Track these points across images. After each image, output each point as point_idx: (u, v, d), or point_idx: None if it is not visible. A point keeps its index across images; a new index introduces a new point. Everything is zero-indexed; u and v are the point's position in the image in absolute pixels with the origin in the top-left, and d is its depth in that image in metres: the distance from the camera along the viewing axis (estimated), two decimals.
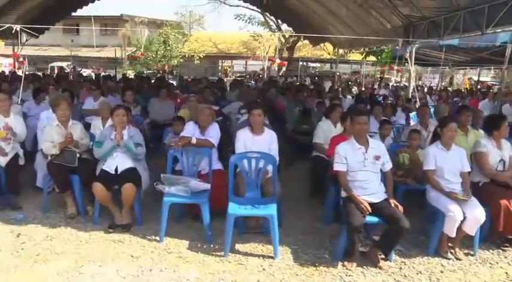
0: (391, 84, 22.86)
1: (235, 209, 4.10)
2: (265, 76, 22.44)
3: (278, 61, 19.64)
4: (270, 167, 4.58)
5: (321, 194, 5.47)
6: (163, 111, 7.78)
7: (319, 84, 16.95)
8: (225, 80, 17.58)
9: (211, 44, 28.01)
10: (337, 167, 4.20)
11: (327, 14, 15.08)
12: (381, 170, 4.27)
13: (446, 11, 9.84)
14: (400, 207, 4.02)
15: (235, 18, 23.89)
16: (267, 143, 4.84)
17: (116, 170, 4.59)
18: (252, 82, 18.84)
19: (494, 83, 27.71)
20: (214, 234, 4.35)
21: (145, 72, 25.31)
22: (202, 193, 4.41)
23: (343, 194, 4.23)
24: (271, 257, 4.08)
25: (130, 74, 22.99)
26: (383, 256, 4.10)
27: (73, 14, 17.84)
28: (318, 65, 33.26)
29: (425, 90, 18.29)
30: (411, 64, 13.22)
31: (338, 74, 20.19)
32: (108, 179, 4.49)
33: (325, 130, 5.90)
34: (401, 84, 24.84)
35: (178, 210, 4.77)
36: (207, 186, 4.45)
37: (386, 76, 30.21)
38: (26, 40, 17.48)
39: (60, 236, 4.34)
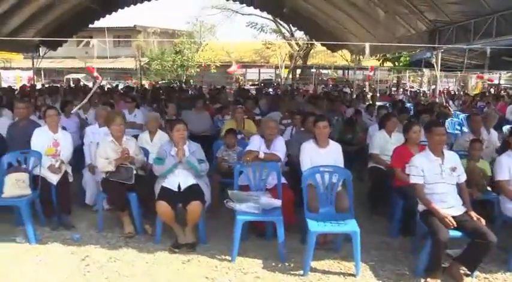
0: (408, 89, 22.66)
1: (315, 226, 3.88)
2: (282, 84, 22.34)
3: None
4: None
5: (382, 206, 5.30)
6: (200, 123, 7.56)
7: (339, 91, 16.73)
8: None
9: (223, 53, 27.96)
10: (414, 179, 4.00)
11: (347, 21, 14.96)
12: None
13: (475, 15, 9.69)
14: (482, 220, 3.83)
15: (247, 25, 23.88)
16: (333, 156, 4.65)
17: (179, 187, 4.39)
18: (270, 90, 18.71)
19: (509, 85, 27.44)
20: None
21: (159, 82, 25.24)
22: (274, 210, 4.20)
23: (421, 207, 4.04)
24: (352, 275, 3.87)
25: (145, 84, 22.93)
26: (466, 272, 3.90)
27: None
28: (328, 71, 33.10)
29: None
30: (437, 69, 13.07)
31: (356, 80, 20.03)
32: (171, 197, 4.27)
33: (381, 140, 5.72)
34: (417, 89, 24.66)
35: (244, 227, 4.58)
36: (278, 202, 4.25)
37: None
38: (45, 53, 17.53)
39: (124, 258, 4.13)
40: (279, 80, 30.43)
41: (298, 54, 23.56)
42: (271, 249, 4.27)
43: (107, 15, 17.43)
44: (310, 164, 4.53)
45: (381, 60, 20.29)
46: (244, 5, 17.82)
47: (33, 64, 17.54)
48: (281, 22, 24.38)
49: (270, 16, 24.43)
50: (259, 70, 31.81)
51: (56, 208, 4.92)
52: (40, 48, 17.48)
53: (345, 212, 4.25)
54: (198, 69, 27.02)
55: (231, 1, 20.27)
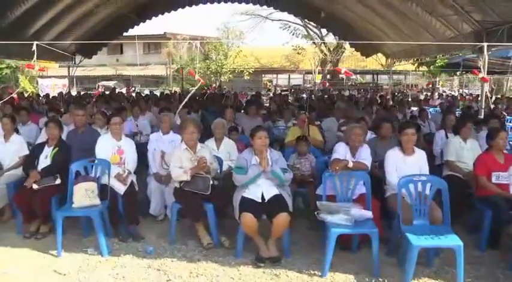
0: (443, 94, 22.11)
1: (416, 240, 3.60)
2: (316, 89, 22.04)
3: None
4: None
5: (462, 217, 4.98)
6: None
7: (381, 96, 16.29)
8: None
9: (253, 59, 27.83)
10: None
11: (384, 25, 14.63)
12: None
13: None
14: None
15: (281, 28, 23.76)
16: (419, 164, 4.40)
17: (262, 197, 4.16)
18: (304, 96, 18.44)
19: None
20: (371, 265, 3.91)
21: (189, 88, 25.22)
22: (366, 222, 3.94)
23: None
24: None
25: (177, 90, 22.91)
26: None
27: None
28: (356, 76, 32.68)
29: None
30: (484, 72, 12.60)
31: (386, 85, 19.64)
32: (255, 208, 4.02)
33: (456, 147, 5.43)
34: (449, 93, 24.07)
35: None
36: (370, 214, 4.00)
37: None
38: (80, 61, 17.69)
39: (206, 272, 3.89)
40: (308, 85, 30.21)
41: (332, 59, 23.27)
42: (359, 262, 4.03)
43: (141, 23, 17.49)
44: (396, 172, 4.29)
45: (416, 64, 19.82)
46: (278, 10, 17.65)
47: (69, 72, 17.71)
48: (311, 27, 24.18)
49: (300, 22, 24.31)
50: (289, 76, 31.69)
51: (123, 219, 4.76)
52: (76, 57, 17.63)
53: (439, 224, 3.97)
54: (231, 76, 26.99)
55: (263, 7, 20.14)
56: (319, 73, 24.31)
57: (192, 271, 3.93)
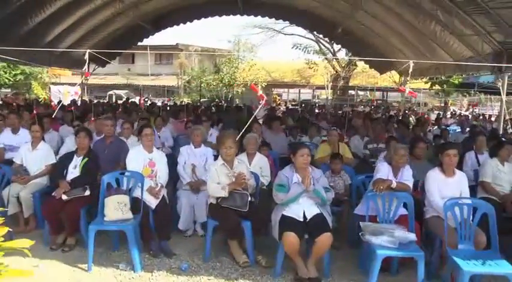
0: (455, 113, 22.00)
1: (466, 265, 3.48)
2: (329, 104, 22.06)
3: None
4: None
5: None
6: (278, 144, 7.26)
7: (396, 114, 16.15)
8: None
9: (264, 73, 27.85)
10: None
11: (401, 43, 14.61)
12: None
13: None
14: None
15: (293, 47, 23.78)
16: (460, 186, 4.30)
17: (304, 216, 4.04)
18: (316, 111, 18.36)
19: None
20: None
21: (201, 100, 25.26)
22: (411, 244, 3.82)
23: None
24: None
25: (186, 101, 22.92)
26: None
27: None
28: (365, 93, 32.63)
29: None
30: (503, 93, 12.52)
31: (396, 103, 19.52)
32: (297, 227, 3.91)
33: (493, 169, 5.31)
34: (460, 113, 23.95)
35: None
36: (413, 236, 3.87)
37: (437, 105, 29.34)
38: (94, 69, 17.70)
39: None
40: (317, 100, 30.18)
41: (345, 75, 23.25)
42: None
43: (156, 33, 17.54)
44: (438, 194, 4.19)
45: (429, 83, 19.77)
46: (293, 25, 17.68)
47: (82, 80, 17.69)
48: (324, 43, 24.21)
49: (312, 37, 24.35)
50: (299, 90, 31.70)
51: (154, 233, 4.63)
52: (90, 65, 17.64)
53: (483, 249, 3.85)
54: (243, 88, 27.01)
55: (278, 21, 20.21)
56: (331, 89, 24.29)
57: None
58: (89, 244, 4.17)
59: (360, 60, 16.72)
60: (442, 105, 26.87)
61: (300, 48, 23.68)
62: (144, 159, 4.90)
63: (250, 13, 15.74)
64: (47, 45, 12.28)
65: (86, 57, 4.95)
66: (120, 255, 4.51)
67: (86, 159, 4.94)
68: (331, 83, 24.37)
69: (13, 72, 22.32)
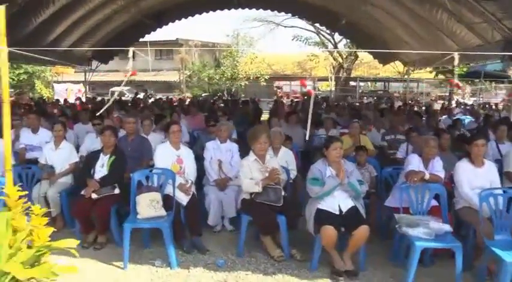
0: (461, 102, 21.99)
1: (508, 256, 3.48)
2: (333, 97, 22.03)
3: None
4: None
5: None
6: (296, 138, 7.22)
7: (406, 104, 16.11)
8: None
9: (265, 66, 27.76)
10: None
11: (406, 33, 14.56)
12: None
13: None
14: None
15: (293, 39, 23.68)
16: (490, 176, 4.31)
17: (339, 209, 4.05)
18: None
19: None
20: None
21: (202, 95, 25.21)
22: (447, 236, 3.84)
23: None
24: None
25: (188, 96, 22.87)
26: None
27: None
28: (367, 84, 32.55)
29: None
30: None
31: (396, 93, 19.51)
32: (333, 220, 3.92)
33: None
34: (464, 102, 23.94)
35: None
36: (449, 227, 3.89)
37: (440, 94, 29.34)
38: (97, 66, 17.63)
39: None
40: (319, 92, 30.09)
41: (348, 66, 23.20)
42: (438, 277, 3.95)
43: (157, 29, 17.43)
44: (468, 184, 4.21)
45: (433, 72, 19.79)
46: (296, 17, 17.58)
47: (85, 77, 17.65)
48: (324, 34, 24.13)
49: (313, 29, 24.26)
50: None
51: (185, 230, 4.63)
52: (92, 62, 17.58)
53: None
54: (247, 82, 26.94)
55: (280, 13, 20.12)
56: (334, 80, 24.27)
57: None
58: (124, 242, 4.16)
59: (365, 52, 16.66)
60: (445, 94, 26.90)
61: (300, 40, 23.61)
62: (172, 156, 4.91)
63: (246, 6, 15.66)
64: (50, 44, 12.21)
65: (130, 55, 4.85)
66: (152, 252, 4.51)
67: (113, 157, 4.92)
68: (333, 75, 24.30)
69: (16, 72, 22.22)
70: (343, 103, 16.95)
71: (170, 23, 17.21)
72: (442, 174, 4.43)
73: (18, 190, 3.27)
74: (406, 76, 19.01)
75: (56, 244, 3.18)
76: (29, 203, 3.28)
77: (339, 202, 4.06)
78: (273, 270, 4.11)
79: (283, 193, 4.37)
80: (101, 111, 5.50)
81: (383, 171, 5.13)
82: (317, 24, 19.86)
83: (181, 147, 5.03)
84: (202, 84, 27.74)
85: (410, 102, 20.67)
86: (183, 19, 17.16)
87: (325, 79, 27.66)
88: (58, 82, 23.18)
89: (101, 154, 5.01)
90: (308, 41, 23.68)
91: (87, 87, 19.93)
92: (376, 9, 13.82)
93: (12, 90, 24.09)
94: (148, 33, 17.64)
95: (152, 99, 19.13)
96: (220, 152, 5.29)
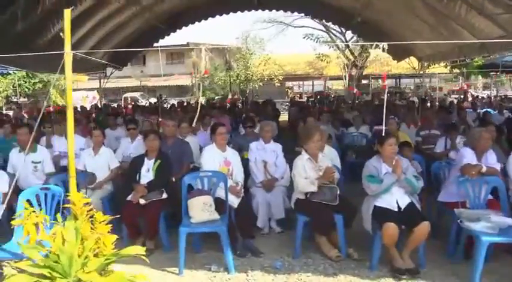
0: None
1: None
2: (346, 94, 21.89)
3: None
4: None
5: None
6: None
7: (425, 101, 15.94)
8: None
9: (277, 67, 27.72)
10: None
11: (421, 28, 14.43)
12: None
13: None
14: None
15: (304, 37, 23.56)
16: None
17: (398, 206, 3.99)
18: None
19: None
20: None
21: (215, 98, 25.19)
22: (510, 230, 3.74)
23: None
24: None
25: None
26: None
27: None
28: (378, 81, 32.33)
29: None
30: None
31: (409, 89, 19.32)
32: (393, 217, 3.86)
33: None
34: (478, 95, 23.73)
35: None
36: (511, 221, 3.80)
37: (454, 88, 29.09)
38: (111, 73, 17.63)
39: None
40: (329, 91, 30.02)
41: (362, 63, 23.04)
42: (500, 274, 3.85)
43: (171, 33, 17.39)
44: None
45: (448, 67, 19.58)
46: (309, 17, 17.48)
47: (100, 84, 17.65)
48: (335, 33, 24.00)
49: (322, 27, 24.12)
50: (313, 82, 31.65)
51: (237, 233, 4.55)
52: (106, 69, 17.58)
53: None
54: (261, 83, 26.89)
55: (293, 14, 20.05)
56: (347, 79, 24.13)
57: None
58: (180, 247, 4.08)
59: (378, 44, 16.46)
60: (457, 89, 26.67)
61: (311, 39, 23.47)
62: (219, 158, 4.85)
63: (266, 7, 15.56)
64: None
65: (203, 53, 4.74)
66: (204, 257, 4.45)
67: (159, 161, 4.86)
68: (348, 73, 24.16)
69: (32, 81, 22.33)
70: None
71: (184, 27, 17.15)
72: (497, 166, 4.36)
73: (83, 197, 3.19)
74: (421, 72, 18.83)
75: (125, 252, 3.10)
76: (93, 210, 3.20)
77: (396, 198, 4.00)
78: (333, 270, 4.04)
79: (338, 191, 4.27)
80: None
81: (434, 166, 5.06)
82: (330, 23, 19.68)
83: (227, 149, 4.96)
84: (214, 88, 27.74)
85: (424, 97, 20.49)
86: (196, 22, 17.07)
87: (337, 78, 27.53)
88: (73, 90, 23.15)
89: (145, 158, 4.94)
90: (319, 40, 23.54)
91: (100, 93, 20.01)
92: (392, 5, 13.70)
93: (25, 99, 24.27)
94: (162, 37, 17.54)
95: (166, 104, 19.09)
96: (265, 152, 5.23)
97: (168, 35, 17.43)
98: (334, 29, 23.56)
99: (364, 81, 28.23)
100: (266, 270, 4.09)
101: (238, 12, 16.22)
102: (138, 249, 3.16)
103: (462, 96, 20.51)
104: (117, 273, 3.00)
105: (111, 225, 3.02)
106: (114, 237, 3.22)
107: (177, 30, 17.49)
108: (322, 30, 24.38)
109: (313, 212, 4.20)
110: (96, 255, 3.13)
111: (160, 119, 7.32)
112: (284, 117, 15.85)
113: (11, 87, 22.32)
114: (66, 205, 4.16)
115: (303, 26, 25.47)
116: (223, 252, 4.38)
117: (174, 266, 4.17)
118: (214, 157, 4.82)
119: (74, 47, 11.14)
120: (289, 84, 32.88)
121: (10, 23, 8.03)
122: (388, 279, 3.84)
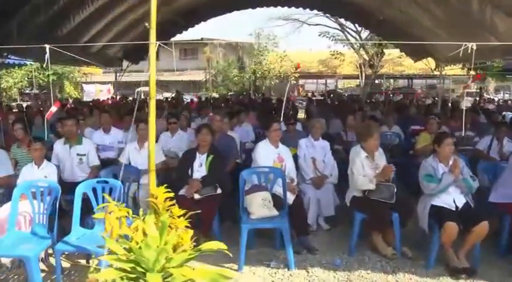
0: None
1: None
2: (363, 94, 21.85)
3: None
4: None
5: None
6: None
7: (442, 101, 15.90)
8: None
9: (293, 64, 27.68)
10: None
11: (439, 29, 14.38)
12: None
13: None
14: None
15: (319, 35, 23.55)
16: None
17: (455, 206, 4.05)
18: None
19: None
20: None
21: (229, 94, 25.16)
22: None
23: None
24: None
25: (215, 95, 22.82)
26: None
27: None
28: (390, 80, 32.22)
29: None
30: None
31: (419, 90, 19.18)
32: (452, 216, 3.92)
33: None
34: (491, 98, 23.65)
35: None
36: None
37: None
38: (127, 67, 17.64)
39: None
40: (342, 90, 29.98)
41: (379, 62, 23.00)
42: None
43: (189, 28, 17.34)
44: None
45: (465, 69, 19.50)
46: (327, 15, 17.42)
47: (115, 78, 17.67)
48: (350, 32, 23.96)
49: (337, 26, 24.08)
50: (326, 81, 31.62)
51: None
52: (123, 63, 17.60)
53: None
54: (277, 80, 26.87)
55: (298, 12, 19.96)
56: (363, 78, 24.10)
57: None
58: (241, 243, 4.09)
59: (396, 43, 16.36)
60: (468, 91, 26.49)
61: (327, 37, 23.48)
62: (272, 154, 4.87)
63: (291, 4, 15.50)
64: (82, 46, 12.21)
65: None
66: (260, 253, 4.46)
67: (212, 156, 4.86)
68: (364, 72, 24.12)
69: (46, 73, 22.30)
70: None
71: (202, 22, 17.09)
72: None
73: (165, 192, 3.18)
74: (438, 73, 18.76)
75: (206, 246, 3.10)
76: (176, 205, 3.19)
77: (453, 198, 4.06)
78: (391, 268, 4.11)
79: (395, 190, 4.27)
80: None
81: (478, 167, 5.07)
82: (348, 22, 19.64)
83: (279, 146, 4.96)
84: (227, 84, 27.71)
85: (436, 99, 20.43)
86: (215, 17, 16.99)
87: (351, 77, 27.48)
88: (86, 83, 23.20)
89: (197, 153, 4.94)
90: (334, 38, 23.51)
91: (112, 87, 20.03)
92: (413, 5, 13.64)
93: (37, 91, 24.26)
94: (180, 32, 17.55)
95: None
96: (314, 149, 5.26)
97: (186, 30, 17.42)
98: (349, 28, 23.54)
99: (376, 81, 28.16)
100: (325, 267, 4.14)
101: (258, 9, 16.17)
102: (218, 244, 3.16)
103: (477, 98, 20.45)
104: (203, 268, 3.01)
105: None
106: (191, 232, 3.23)
107: (195, 25, 17.45)
108: (337, 29, 24.37)
109: (371, 210, 4.25)
110: (174, 250, 3.14)
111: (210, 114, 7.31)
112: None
113: (26, 78, 22.36)
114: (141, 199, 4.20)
115: (318, 24, 25.46)
116: (275, 248, 4.43)
117: (231, 262, 4.10)
118: (268, 153, 4.84)
119: (91, 41, 11.12)
120: (305, 82, 32.88)
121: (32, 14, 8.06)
122: (446, 278, 3.90)
